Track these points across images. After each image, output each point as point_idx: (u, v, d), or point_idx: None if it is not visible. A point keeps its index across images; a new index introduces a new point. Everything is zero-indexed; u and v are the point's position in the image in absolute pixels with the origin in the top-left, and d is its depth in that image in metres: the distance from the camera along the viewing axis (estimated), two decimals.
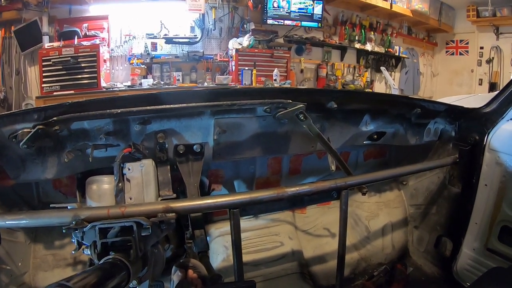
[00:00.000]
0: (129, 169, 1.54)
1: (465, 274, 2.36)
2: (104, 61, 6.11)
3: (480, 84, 9.38)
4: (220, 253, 2.44)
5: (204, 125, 1.69)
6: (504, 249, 2.18)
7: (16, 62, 5.86)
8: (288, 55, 7.39)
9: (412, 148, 2.44)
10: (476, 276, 2.17)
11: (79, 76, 5.80)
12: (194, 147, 1.71)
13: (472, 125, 2.31)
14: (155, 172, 1.59)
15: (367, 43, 8.65)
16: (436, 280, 2.55)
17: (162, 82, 6.53)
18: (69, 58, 5.62)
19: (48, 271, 2.09)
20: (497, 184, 2.19)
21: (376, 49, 8.81)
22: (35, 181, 1.93)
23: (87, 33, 6.07)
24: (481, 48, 9.35)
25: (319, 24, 7.72)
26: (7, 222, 1.32)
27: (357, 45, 8.57)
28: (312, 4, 7.46)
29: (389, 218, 2.88)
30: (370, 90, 8.83)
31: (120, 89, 6.16)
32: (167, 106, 1.48)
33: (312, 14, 7.53)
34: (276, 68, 7.01)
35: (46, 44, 5.77)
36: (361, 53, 8.76)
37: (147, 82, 6.37)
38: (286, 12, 7.34)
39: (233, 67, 6.93)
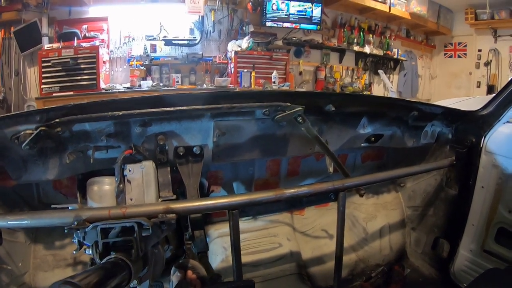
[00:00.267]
0: (130, 171, 1.55)
1: (462, 275, 2.38)
2: (104, 62, 6.13)
3: (478, 86, 9.39)
4: (219, 254, 2.45)
5: (204, 128, 1.71)
6: (501, 250, 2.19)
7: (16, 63, 5.87)
8: (287, 57, 7.43)
9: (409, 150, 2.45)
10: (473, 277, 2.18)
11: (79, 78, 5.84)
12: (194, 149, 1.73)
13: (469, 127, 2.32)
14: (155, 173, 1.61)
15: (366, 45, 8.67)
16: (434, 281, 2.56)
17: (161, 84, 6.55)
18: (69, 59, 5.65)
19: (48, 271, 2.09)
20: (493, 186, 2.21)
21: (375, 51, 8.83)
22: (36, 182, 1.94)
23: (87, 35, 6.09)
24: (479, 50, 9.36)
25: (318, 26, 7.74)
26: (8, 222, 1.34)
27: (356, 48, 8.59)
28: (311, 7, 7.48)
29: (386, 219, 2.89)
30: (369, 93, 8.85)
31: (120, 90, 6.19)
32: (168, 108, 1.50)
33: (311, 16, 7.55)
34: (275, 70, 7.02)
35: (46, 45, 5.79)
36: (359, 55, 8.78)
37: (146, 84, 6.39)
38: (285, 15, 7.36)
39: (232, 69, 6.95)
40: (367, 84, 9.03)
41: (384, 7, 8.31)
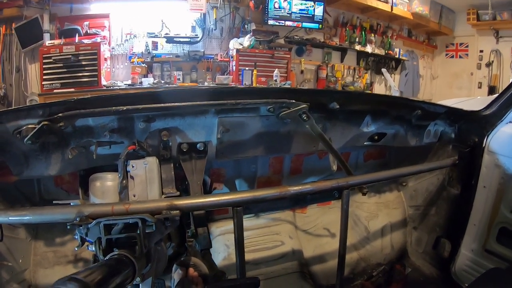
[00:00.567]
0: (133, 167, 1.54)
1: (463, 275, 2.37)
2: (105, 59, 6.12)
3: (480, 87, 9.39)
4: (221, 252, 2.45)
5: (208, 124, 1.70)
6: (502, 250, 2.19)
7: (17, 59, 5.87)
8: (289, 56, 7.42)
9: (412, 149, 2.45)
10: (474, 277, 2.18)
11: (80, 74, 5.82)
12: (198, 145, 1.72)
13: (472, 127, 2.32)
14: (158, 169, 1.59)
15: (368, 45, 8.68)
16: (435, 281, 2.57)
17: (162, 81, 6.53)
18: (70, 56, 5.64)
19: (48, 268, 2.09)
20: (495, 186, 2.21)
21: (376, 51, 8.84)
22: (38, 177, 1.92)
23: (88, 31, 6.08)
24: (481, 51, 9.37)
25: (320, 25, 7.75)
26: (10, 218, 1.32)
27: (358, 47, 8.59)
28: (313, 6, 7.48)
29: (388, 218, 2.89)
30: (370, 92, 8.85)
31: (121, 87, 6.18)
32: (173, 104, 1.48)
33: (313, 15, 7.55)
34: (276, 69, 7.01)
35: (47, 41, 5.79)
36: (361, 55, 8.79)
37: (148, 81, 6.38)
38: (287, 13, 7.36)
39: (234, 67, 6.94)
40: (369, 84, 9.04)
41: (386, 7, 8.30)
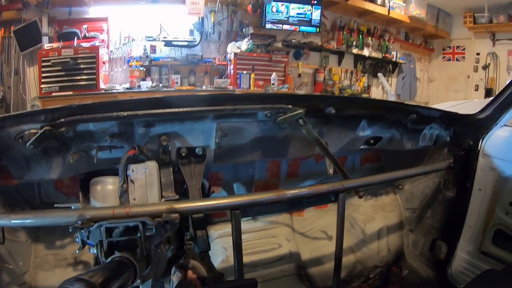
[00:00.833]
0: (133, 171, 1.57)
1: (459, 276, 2.39)
2: (103, 62, 6.13)
3: (476, 90, 9.43)
4: (219, 255, 2.46)
5: (206, 129, 1.72)
6: (498, 252, 2.21)
7: (15, 62, 5.88)
8: (286, 59, 7.45)
9: (407, 153, 2.47)
10: (470, 279, 2.19)
11: (78, 78, 5.83)
12: (196, 150, 1.74)
13: (467, 130, 2.34)
14: (158, 173, 1.62)
15: (365, 48, 8.69)
16: (431, 283, 2.58)
17: (160, 85, 6.54)
18: (69, 59, 5.64)
19: (48, 271, 2.09)
20: (490, 189, 2.23)
21: (374, 54, 8.86)
22: (39, 181, 1.95)
23: (87, 35, 6.09)
24: (478, 54, 9.41)
25: (317, 29, 7.77)
26: (12, 221, 1.35)
27: (355, 50, 8.61)
28: (310, 10, 7.50)
29: (384, 221, 2.90)
30: (367, 95, 8.88)
31: (119, 91, 6.19)
32: (173, 110, 1.51)
33: (311, 19, 7.57)
34: (274, 72, 7.04)
35: (46, 44, 5.78)
36: (358, 58, 8.80)
37: (146, 85, 6.39)
38: (285, 17, 7.38)
39: (232, 71, 6.96)
40: (366, 87, 9.06)
41: (383, 10, 8.33)
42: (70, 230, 1.25)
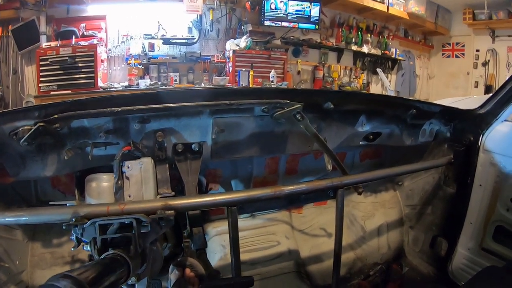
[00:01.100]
0: (128, 167, 1.55)
1: (460, 273, 2.38)
2: (102, 61, 6.13)
3: (476, 86, 9.44)
4: (217, 252, 2.45)
5: (202, 124, 1.70)
6: (499, 248, 2.20)
7: (14, 61, 5.88)
8: (285, 56, 7.45)
9: (407, 148, 2.45)
10: (471, 276, 2.18)
11: (77, 76, 5.84)
12: (193, 146, 1.72)
13: (467, 126, 2.33)
14: (154, 170, 1.60)
15: (364, 45, 8.71)
16: (432, 280, 2.57)
17: (159, 83, 6.54)
18: (67, 58, 5.66)
19: (46, 269, 2.08)
20: (491, 185, 2.21)
21: (373, 51, 8.87)
22: (35, 178, 1.93)
23: (85, 33, 6.10)
24: (477, 51, 9.42)
25: (316, 26, 7.76)
26: (6, 219, 1.33)
27: (354, 47, 8.63)
28: (309, 6, 7.50)
29: (384, 218, 2.89)
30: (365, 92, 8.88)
31: (117, 89, 6.19)
32: (168, 105, 1.49)
33: (309, 16, 7.57)
34: (273, 70, 7.03)
35: (44, 43, 5.79)
36: (357, 55, 8.82)
37: (144, 83, 6.39)
38: (283, 14, 7.37)
39: (230, 68, 6.95)
40: (365, 84, 9.07)
41: (382, 7, 8.33)
42: (64, 227, 1.23)
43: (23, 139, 1.36)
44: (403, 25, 9.53)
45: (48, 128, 1.39)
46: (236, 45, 6.90)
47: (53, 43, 5.79)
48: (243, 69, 6.85)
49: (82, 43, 5.86)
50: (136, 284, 1.26)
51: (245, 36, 6.91)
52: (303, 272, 2.59)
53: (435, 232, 2.58)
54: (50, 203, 1.44)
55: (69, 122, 1.46)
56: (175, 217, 1.36)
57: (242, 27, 7.19)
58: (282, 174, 2.59)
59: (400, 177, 2.93)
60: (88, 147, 1.54)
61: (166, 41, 6.72)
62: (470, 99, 3.20)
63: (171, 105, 1.49)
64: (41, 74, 5.69)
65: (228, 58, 7.01)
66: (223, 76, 7.06)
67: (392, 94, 7.82)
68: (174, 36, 6.75)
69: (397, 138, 2.31)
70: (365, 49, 8.71)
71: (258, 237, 2.62)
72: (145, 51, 6.61)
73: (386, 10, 8.42)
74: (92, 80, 5.88)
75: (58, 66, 5.68)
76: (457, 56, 10.07)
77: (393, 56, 9.24)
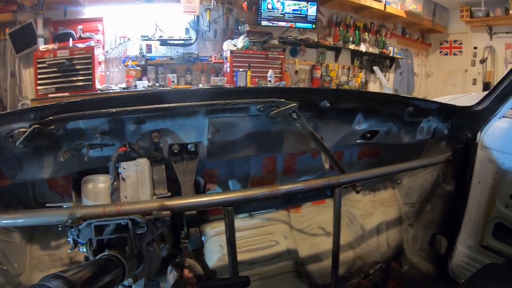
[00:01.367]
0: (124, 168, 1.55)
1: (460, 271, 2.38)
2: (99, 63, 6.11)
3: (474, 84, 9.43)
4: (215, 252, 2.44)
5: (198, 125, 1.70)
6: (499, 245, 2.20)
7: (11, 64, 5.83)
8: (283, 56, 7.43)
9: (405, 146, 2.45)
10: (471, 273, 2.17)
11: (74, 78, 5.82)
12: (189, 146, 1.72)
13: (465, 123, 2.32)
14: (150, 171, 1.60)
15: (361, 44, 8.69)
16: (432, 278, 2.57)
17: (157, 84, 6.52)
18: (64, 60, 5.64)
19: (44, 272, 2.07)
20: (490, 181, 2.21)
21: (370, 50, 8.85)
22: (31, 180, 1.93)
23: (82, 35, 6.07)
24: (475, 48, 9.41)
25: (314, 25, 7.75)
26: (3, 222, 1.33)
27: (351, 46, 8.60)
28: (306, 6, 7.49)
29: (383, 216, 2.89)
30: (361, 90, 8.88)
31: (115, 91, 6.16)
32: (163, 105, 1.49)
33: (306, 15, 7.56)
34: (270, 69, 7.02)
35: (41, 46, 5.77)
36: (355, 54, 8.79)
37: (142, 84, 6.37)
38: (281, 14, 7.36)
39: (228, 69, 6.92)
40: (363, 83, 9.06)
41: (379, 6, 8.32)
42: (60, 229, 1.23)
43: (19, 141, 1.36)
44: (400, 23, 9.52)
45: (44, 130, 1.39)
46: (234, 45, 6.89)
47: (50, 46, 5.77)
48: (241, 70, 6.82)
49: (80, 45, 5.85)
50: (133, 285, 1.26)
51: (242, 36, 6.90)
52: (302, 271, 2.58)
53: (435, 230, 2.57)
54: (47, 205, 1.44)
55: (65, 124, 1.46)
56: (172, 218, 1.36)
57: (239, 27, 7.17)
58: (279, 174, 2.59)
59: (398, 175, 2.92)
60: (84, 148, 1.54)
61: (164, 42, 6.70)
62: (468, 96, 3.19)
63: (166, 105, 1.50)
64: (38, 77, 5.67)
65: (226, 59, 6.99)
66: (220, 76, 7.06)
67: (390, 92, 7.83)
68: (171, 37, 6.72)
69: (395, 136, 2.31)
70: (362, 48, 8.69)
71: (256, 237, 2.61)
72: (143, 52, 6.58)
73: (383, 9, 8.40)
74: (90, 82, 5.86)
75: (56, 69, 5.66)
76: (455, 54, 10.06)
77: (391, 55, 9.22)
